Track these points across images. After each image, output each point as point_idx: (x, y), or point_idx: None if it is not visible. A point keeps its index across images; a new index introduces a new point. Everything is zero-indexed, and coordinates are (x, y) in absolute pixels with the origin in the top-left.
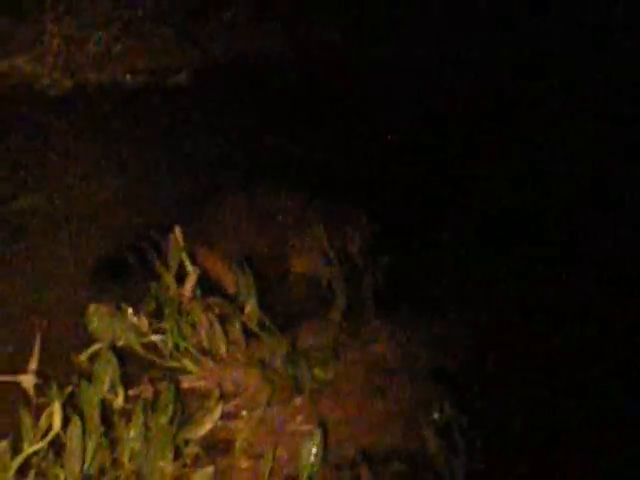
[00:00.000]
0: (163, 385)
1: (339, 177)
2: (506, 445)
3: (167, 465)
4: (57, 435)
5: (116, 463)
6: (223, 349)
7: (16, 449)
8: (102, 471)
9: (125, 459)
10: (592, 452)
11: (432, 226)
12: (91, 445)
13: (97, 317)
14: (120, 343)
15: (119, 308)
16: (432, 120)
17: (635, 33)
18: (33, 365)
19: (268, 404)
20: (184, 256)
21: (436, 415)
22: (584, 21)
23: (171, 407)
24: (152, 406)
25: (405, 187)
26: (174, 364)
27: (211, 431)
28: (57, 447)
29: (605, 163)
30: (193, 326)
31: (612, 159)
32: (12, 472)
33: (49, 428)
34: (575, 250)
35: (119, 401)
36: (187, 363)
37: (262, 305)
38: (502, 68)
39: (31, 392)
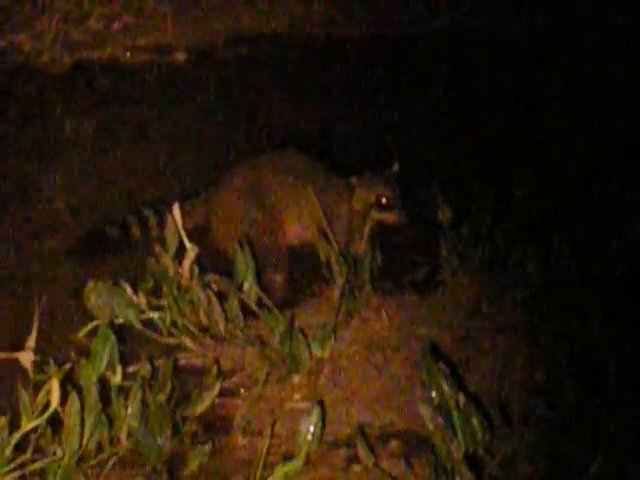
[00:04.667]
0: (161, 362)
1: (340, 149)
2: (502, 423)
3: (165, 442)
4: (55, 412)
5: (114, 440)
6: (221, 327)
7: (14, 426)
8: (100, 448)
9: (123, 436)
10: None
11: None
12: (89, 422)
13: (95, 294)
14: (118, 320)
15: (117, 285)
16: None
17: None
18: (31, 342)
19: (266, 382)
20: (182, 233)
21: (433, 393)
22: None
23: (169, 384)
24: (150, 383)
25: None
26: (172, 341)
27: (209, 408)
28: (55, 424)
29: None
30: (191, 303)
31: None
32: (10, 448)
33: (47, 405)
34: None
35: (117, 378)
36: (185, 340)
37: (260, 283)
38: None
39: (29, 369)
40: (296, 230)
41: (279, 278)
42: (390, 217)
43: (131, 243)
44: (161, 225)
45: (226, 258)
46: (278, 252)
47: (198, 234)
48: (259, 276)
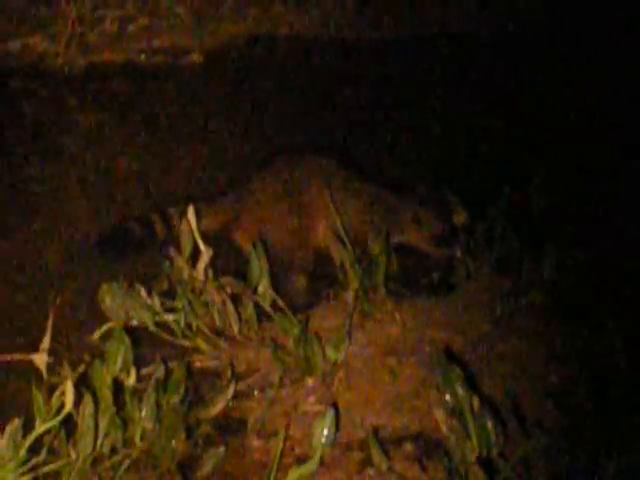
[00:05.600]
0: (175, 364)
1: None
2: (516, 426)
3: (178, 445)
4: (69, 414)
5: (128, 442)
6: (236, 329)
7: (28, 427)
8: (114, 450)
9: (137, 438)
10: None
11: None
12: (103, 424)
13: (110, 296)
14: (133, 322)
15: (132, 287)
16: None
17: None
18: (46, 344)
19: (280, 384)
20: (197, 236)
21: (447, 396)
22: None
23: (183, 387)
24: (164, 385)
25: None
26: (186, 343)
27: (223, 411)
28: (69, 426)
29: None
30: (206, 306)
31: None
32: (24, 450)
33: (61, 407)
34: None
35: (131, 380)
36: (199, 342)
37: (275, 286)
38: None
39: (44, 371)
40: (327, 233)
41: (302, 280)
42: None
43: (156, 242)
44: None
45: (241, 260)
46: (305, 254)
47: (215, 236)
48: (274, 279)
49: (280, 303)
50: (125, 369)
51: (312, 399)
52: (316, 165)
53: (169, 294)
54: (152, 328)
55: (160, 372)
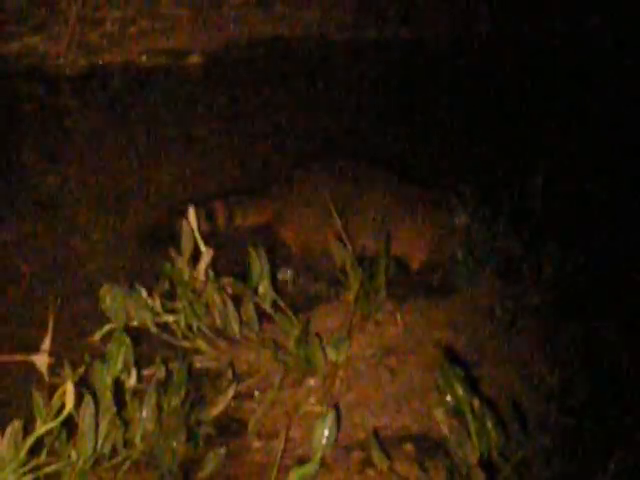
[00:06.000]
0: (176, 365)
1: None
2: (517, 427)
3: (179, 446)
4: (70, 415)
5: (128, 443)
6: (236, 330)
7: (29, 428)
8: (114, 451)
9: (137, 439)
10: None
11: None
12: (103, 425)
13: (110, 297)
14: (133, 323)
15: (132, 288)
16: None
17: None
18: (46, 345)
19: (281, 385)
20: (197, 237)
21: (448, 397)
22: None
23: (184, 388)
24: (165, 386)
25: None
26: (187, 344)
27: (224, 412)
28: (70, 427)
29: None
30: (206, 306)
31: None
32: (25, 451)
33: (62, 408)
34: None
35: (132, 381)
36: (200, 343)
37: (276, 286)
38: None
39: (44, 372)
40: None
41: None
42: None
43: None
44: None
45: (242, 261)
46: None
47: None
48: (274, 279)
49: (281, 304)
50: (126, 370)
51: (313, 400)
52: (359, 171)
53: (170, 295)
54: (153, 329)
55: (161, 373)
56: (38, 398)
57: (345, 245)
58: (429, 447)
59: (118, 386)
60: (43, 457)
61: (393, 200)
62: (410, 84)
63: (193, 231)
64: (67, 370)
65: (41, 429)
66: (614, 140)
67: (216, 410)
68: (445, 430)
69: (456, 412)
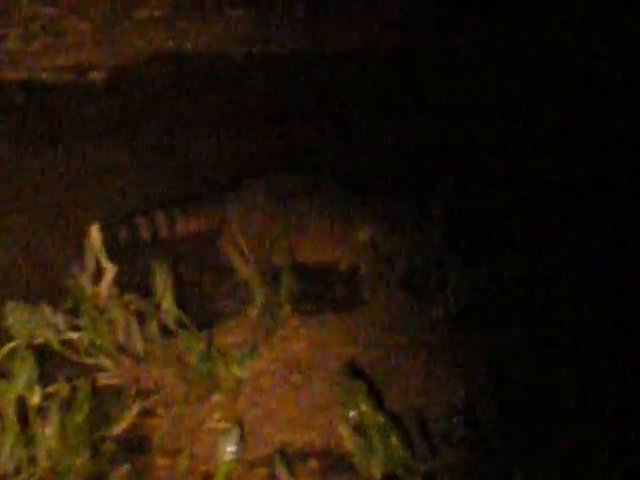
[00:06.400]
0: (80, 382)
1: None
2: (422, 442)
3: (83, 463)
4: None
5: (32, 461)
6: (140, 346)
7: None
8: (17, 469)
9: (41, 457)
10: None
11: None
12: (7, 443)
13: (14, 314)
14: (37, 340)
15: (36, 305)
16: None
17: None
18: None
19: (185, 402)
20: (101, 253)
21: (352, 412)
22: None
23: (87, 405)
24: (68, 404)
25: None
26: (91, 361)
27: (128, 429)
28: None
29: None
30: (110, 323)
31: None
32: None
33: None
34: None
35: (35, 399)
36: (104, 360)
37: (180, 303)
38: None
39: None
40: (309, 249)
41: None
42: None
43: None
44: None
45: (145, 277)
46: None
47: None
48: (178, 295)
49: (185, 320)
50: (29, 387)
51: (217, 416)
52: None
53: (74, 312)
54: (56, 346)
55: (64, 390)
56: None
57: (247, 258)
58: (334, 463)
59: (22, 404)
60: None
61: (304, 212)
62: (316, 95)
63: (96, 247)
64: None
65: None
66: (520, 149)
67: (120, 427)
68: (350, 445)
69: (360, 427)
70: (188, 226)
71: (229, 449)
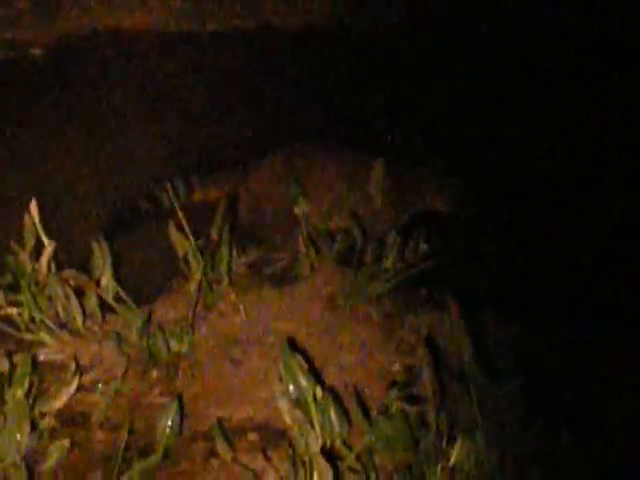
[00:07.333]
0: (19, 358)
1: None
2: (360, 415)
3: (23, 438)
4: None
5: None
6: (79, 322)
7: None
8: None
9: None
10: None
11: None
12: None
13: None
14: None
15: None
16: None
17: None
18: None
19: (124, 377)
20: (40, 229)
21: (291, 387)
22: None
23: (27, 380)
24: (8, 379)
25: None
26: (31, 337)
27: (67, 404)
28: None
29: None
30: (49, 299)
31: None
32: None
33: None
34: None
35: None
36: (43, 336)
37: (119, 279)
38: None
39: None
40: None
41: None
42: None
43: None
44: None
45: (85, 253)
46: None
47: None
48: (117, 270)
49: (123, 296)
50: None
51: (156, 391)
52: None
53: (14, 288)
54: None
55: (4, 366)
56: None
57: (186, 234)
58: (273, 436)
59: None
60: None
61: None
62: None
63: (35, 223)
64: None
65: None
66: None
67: (60, 402)
68: (288, 420)
69: (299, 402)
70: (207, 194)
71: (168, 423)
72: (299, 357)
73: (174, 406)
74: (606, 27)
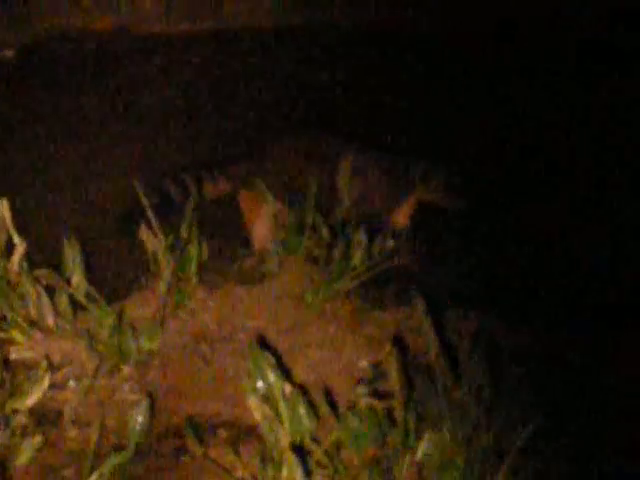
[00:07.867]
0: None
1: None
2: (329, 411)
3: None
4: None
5: None
6: (51, 320)
7: None
8: None
9: None
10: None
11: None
12: None
13: None
14: None
15: None
16: None
17: None
18: None
19: (95, 374)
20: (11, 228)
21: (260, 383)
22: None
23: None
24: None
25: None
26: (2, 335)
27: (39, 401)
28: None
29: None
30: (21, 298)
31: None
32: None
33: None
34: None
35: None
36: (15, 334)
37: (89, 277)
38: None
39: None
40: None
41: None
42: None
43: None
44: None
45: (56, 252)
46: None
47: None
48: (88, 269)
49: (94, 294)
50: None
51: (127, 388)
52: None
53: None
54: None
55: None
56: None
57: (156, 233)
58: (242, 433)
59: None
60: None
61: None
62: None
63: (6, 222)
64: None
65: None
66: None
67: (32, 400)
68: (258, 416)
69: (268, 398)
70: (217, 188)
71: (139, 420)
72: (268, 354)
73: (145, 403)
74: (605, 27)
